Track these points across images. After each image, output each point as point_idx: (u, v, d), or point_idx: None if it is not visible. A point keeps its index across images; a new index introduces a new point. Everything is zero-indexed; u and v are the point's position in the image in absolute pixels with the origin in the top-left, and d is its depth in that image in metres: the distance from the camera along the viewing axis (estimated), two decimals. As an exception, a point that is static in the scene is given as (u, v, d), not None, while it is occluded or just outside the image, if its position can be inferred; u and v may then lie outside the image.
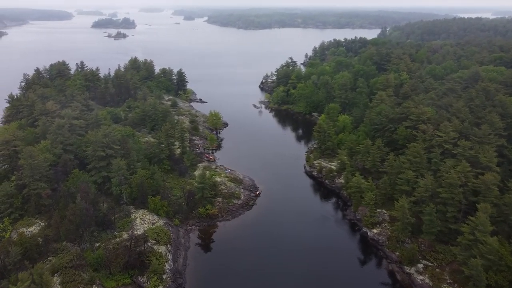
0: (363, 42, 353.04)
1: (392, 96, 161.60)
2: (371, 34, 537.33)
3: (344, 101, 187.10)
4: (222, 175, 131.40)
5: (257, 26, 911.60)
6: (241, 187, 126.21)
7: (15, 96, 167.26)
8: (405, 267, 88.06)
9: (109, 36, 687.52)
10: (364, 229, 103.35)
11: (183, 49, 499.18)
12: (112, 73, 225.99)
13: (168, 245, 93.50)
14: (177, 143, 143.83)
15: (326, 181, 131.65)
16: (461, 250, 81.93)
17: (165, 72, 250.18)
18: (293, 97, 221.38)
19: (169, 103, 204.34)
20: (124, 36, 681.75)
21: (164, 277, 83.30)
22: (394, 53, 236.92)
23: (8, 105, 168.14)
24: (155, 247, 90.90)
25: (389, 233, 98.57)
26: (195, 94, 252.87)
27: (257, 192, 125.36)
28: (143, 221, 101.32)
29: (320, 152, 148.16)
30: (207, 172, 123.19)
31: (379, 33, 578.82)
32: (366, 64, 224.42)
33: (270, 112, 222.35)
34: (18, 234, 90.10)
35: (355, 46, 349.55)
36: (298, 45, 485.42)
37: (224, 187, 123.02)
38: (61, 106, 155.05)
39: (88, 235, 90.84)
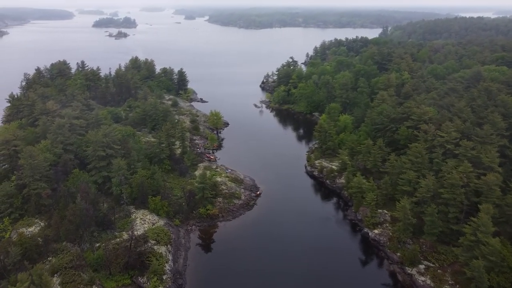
0: (364, 41, 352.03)
1: (393, 96, 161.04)
2: (372, 33, 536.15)
3: (345, 101, 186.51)
4: (223, 175, 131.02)
5: (258, 26, 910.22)
6: (241, 187, 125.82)
7: (16, 96, 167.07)
8: (407, 268, 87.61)
9: (110, 35, 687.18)
10: (365, 230, 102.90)
11: (184, 49, 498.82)
12: (112, 73, 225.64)
13: (169, 246, 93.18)
14: (177, 142, 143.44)
15: (327, 181, 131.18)
16: (463, 251, 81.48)
17: (166, 72, 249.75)
18: (294, 97, 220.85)
19: (169, 102, 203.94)
20: (125, 35, 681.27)
21: (164, 278, 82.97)
22: (395, 52, 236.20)
23: (8, 104, 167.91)
24: (155, 247, 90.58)
25: (391, 233, 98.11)
26: (196, 94, 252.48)
27: (258, 192, 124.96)
28: (143, 221, 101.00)
29: (321, 152, 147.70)
30: (208, 172, 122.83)
31: (381, 32, 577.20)
32: (367, 63, 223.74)
33: (271, 111, 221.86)
34: (18, 234, 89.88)
35: (356, 46, 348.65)
36: (299, 45, 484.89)
37: (224, 187, 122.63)
38: (61, 106, 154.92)
39: (88, 235, 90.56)
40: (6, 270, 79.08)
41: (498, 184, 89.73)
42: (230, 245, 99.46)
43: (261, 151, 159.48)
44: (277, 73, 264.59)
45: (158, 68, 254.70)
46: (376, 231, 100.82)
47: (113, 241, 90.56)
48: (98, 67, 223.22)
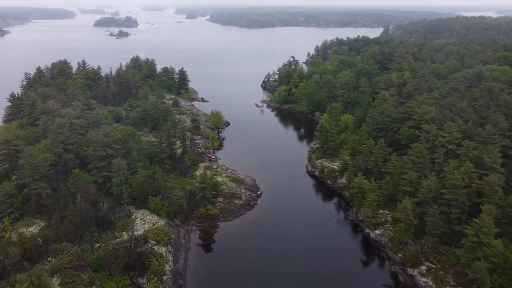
0: (365, 41, 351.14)
1: (395, 95, 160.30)
2: (373, 33, 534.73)
3: (347, 100, 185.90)
4: (224, 175, 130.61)
5: (260, 25, 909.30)
6: (242, 187, 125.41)
7: (16, 95, 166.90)
8: (408, 269, 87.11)
9: (111, 34, 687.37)
10: (366, 230, 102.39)
11: (185, 48, 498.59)
12: (113, 72, 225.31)
13: (169, 246, 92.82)
14: (178, 142, 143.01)
15: (328, 181, 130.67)
16: (465, 252, 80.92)
17: (167, 71, 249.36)
18: (295, 96, 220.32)
19: (170, 102, 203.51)
20: (126, 34, 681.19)
21: (164, 278, 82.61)
22: (397, 52, 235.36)
23: (9, 104, 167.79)
24: (155, 247, 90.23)
25: (392, 234, 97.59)
26: (197, 93, 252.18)
27: (259, 192, 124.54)
28: (144, 221, 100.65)
29: (322, 152, 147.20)
30: (208, 172, 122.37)
31: (382, 32, 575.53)
32: (369, 63, 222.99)
33: (272, 111, 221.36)
34: (18, 234, 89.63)
35: (358, 45, 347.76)
36: (300, 44, 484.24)
37: (225, 187, 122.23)
38: (62, 105, 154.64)
39: (88, 235, 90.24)
40: (6, 271, 78.85)
41: (500, 185, 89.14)
42: (231, 245, 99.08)
43: (262, 150, 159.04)
44: (278, 72, 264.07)
45: (159, 68, 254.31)
46: (377, 231, 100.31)
47: (113, 241, 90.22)
48: (99, 66, 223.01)
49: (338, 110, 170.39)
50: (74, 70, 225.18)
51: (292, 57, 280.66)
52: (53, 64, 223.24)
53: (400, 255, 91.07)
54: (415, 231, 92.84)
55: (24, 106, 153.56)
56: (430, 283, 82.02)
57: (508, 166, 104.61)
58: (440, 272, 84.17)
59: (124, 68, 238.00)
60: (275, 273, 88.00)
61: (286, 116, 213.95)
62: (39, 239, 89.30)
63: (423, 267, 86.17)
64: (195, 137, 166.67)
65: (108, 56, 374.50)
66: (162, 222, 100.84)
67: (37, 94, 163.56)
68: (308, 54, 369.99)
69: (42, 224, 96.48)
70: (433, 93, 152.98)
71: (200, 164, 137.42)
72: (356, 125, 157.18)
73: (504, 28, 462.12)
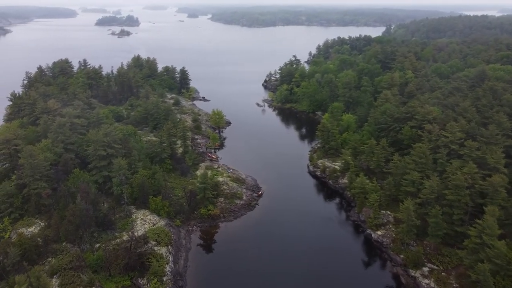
0: (367, 40, 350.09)
1: (397, 95, 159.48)
2: (375, 32, 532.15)
3: (348, 100, 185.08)
4: (224, 174, 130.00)
5: (261, 24, 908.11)
6: (243, 187, 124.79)
7: (17, 94, 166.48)
8: (410, 270, 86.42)
9: (113, 33, 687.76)
10: (368, 231, 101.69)
11: (187, 47, 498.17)
12: (115, 71, 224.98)
13: (169, 246, 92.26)
14: (179, 142, 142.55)
15: (330, 181, 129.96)
16: (468, 254, 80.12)
17: (168, 70, 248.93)
18: (297, 96, 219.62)
19: (171, 101, 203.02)
20: (128, 33, 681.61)
21: (164, 279, 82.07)
22: (399, 51, 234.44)
23: (10, 103, 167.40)
24: (155, 248, 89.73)
25: (394, 235, 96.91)
26: (198, 92, 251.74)
27: (260, 192, 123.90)
28: (144, 221, 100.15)
29: (323, 152, 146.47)
30: (209, 172, 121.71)
31: (384, 31, 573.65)
32: (371, 62, 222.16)
33: (274, 110, 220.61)
34: (18, 234, 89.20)
35: (360, 44, 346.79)
36: (302, 43, 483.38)
37: (226, 187, 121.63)
38: (62, 105, 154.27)
39: (88, 235, 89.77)
40: (5, 271, 78.43)
41: (503, 186, 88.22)
42: (232, 246, 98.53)
43: (263, 150, 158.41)
44: (279, 71, 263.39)
45: (160, 67, 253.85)
46: (379, 232, 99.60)
47: (113, 241, 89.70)
48: (100, 65, 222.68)
49: (339, 110, 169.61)
50: (75, 69, 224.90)
51: (294, 56, 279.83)
52: (54, 63, 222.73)
53: (402, 256, 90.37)
54: (417, 232, 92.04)
55: (25, 106, 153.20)
56: (432, 284, 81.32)
57: (511, 166, 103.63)
58: (442, 273, 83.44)
59: (125, 67, 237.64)
60: (276, 274, 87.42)
61: (287, 115, 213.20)
62: (38, 239, 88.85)
63: (426, 269, 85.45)
64: (196, 136, 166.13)
65: (109, 55, 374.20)
66: (162, 223, 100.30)
67: (38, 93, 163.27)
68: (310, 53, 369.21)
69: (42, 224, 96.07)
70: (435, 93, 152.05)
71: (201, 164, 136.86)
72: (358, 124, 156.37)
73: (507, 27, 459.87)
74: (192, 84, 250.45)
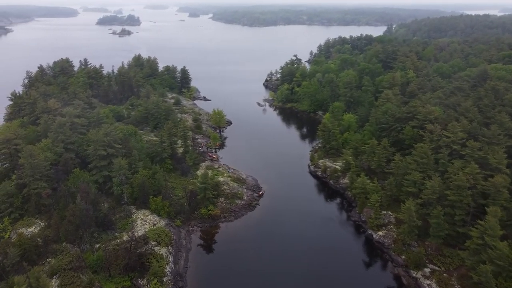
0: (368, 39, 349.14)
1: (398, 94, 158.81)
2: (377, 31, 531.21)
3: (349, 99, 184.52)
4: (225, 174, 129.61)
5: (262, 23, 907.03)
6: (244, 187, 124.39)
7: (18, 94, 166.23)
8: (411, 271, 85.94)
9: (114, 33, 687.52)
10: (369, 231, 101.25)
11: (187, 46, 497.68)
12: (115, 71, 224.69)
13: (169, 247, 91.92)
14: (179, 141, 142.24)
15: (331, 181, 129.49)
16: (470, 255, 79.61)
17: (169, 70, 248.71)
18: (298, 95, 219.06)
19: (172, 101, 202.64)
20: (129, 33, 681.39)
21: (164, 280, 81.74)
22: (400, 50, 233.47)
23: (11, 102, 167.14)
24: (155, 248, 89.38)
25: (395, 235, 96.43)
26: (199, 92, 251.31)
27: (260, 192, 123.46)
28: (144, 221, 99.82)
29: (324, 152, 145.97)
30: (210, 172, 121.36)
31: (385, 30, 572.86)
32: (372, 62, 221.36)
33: (274, 110, 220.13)
34: (17, 234, 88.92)
35: (361, 44, 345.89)
36: (303, 43, 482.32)
37: (226, 187, 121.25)
38: (63, 104, 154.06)
39: (88, 236, 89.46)
40: (5, 272, 78.15)
41: (506, 186, 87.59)
42: (232, 246, 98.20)
43: (264, 150, 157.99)
44: (280, 71, 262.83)
45: (161, 66, 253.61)
46: (380, 233, 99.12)
47: (113, 242, 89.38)
48: (101, 65, 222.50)
49: (340, 110, 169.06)
50: (76, 68, 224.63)
51: (295, 55, 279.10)
52: (55, 62, 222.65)
53: (403, 257, 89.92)
54: (419, 232, 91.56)
55: (25, 105, 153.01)
56: (434, 285, 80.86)
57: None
58: (444, 274, 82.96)
59: (126, 66, 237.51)
60: (277, 274, 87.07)
61: (288, 115, 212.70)
62: (38, 239, 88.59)
63: (427, 270, 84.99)
64: (196, 136, 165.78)
65: (110, 55, 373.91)
66: (162, 223, 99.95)
67: (39, 92, 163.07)
68: (311, 53, 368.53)
69: (42, 224, 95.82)
70: (437, 93, 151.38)
71: (201, 164, 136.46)
72: (359, 124, 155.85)
73: (508, 27, 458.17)
74: (193, 83, 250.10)
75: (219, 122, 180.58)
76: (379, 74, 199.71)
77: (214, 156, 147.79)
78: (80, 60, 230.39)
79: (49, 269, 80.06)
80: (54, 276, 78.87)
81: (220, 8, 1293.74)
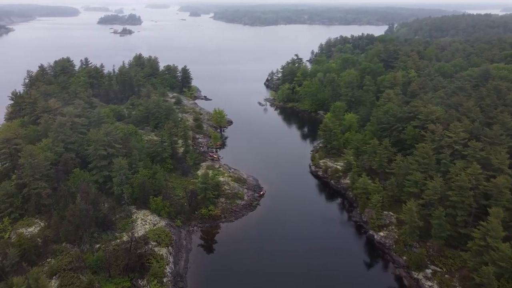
0: (370, 38, 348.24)
1: (399, 94, 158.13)
2: (378, 30, 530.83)
3: (351, 99, 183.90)
4: (226, 174, 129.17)
5: (263, 23, 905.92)
6: (244, 187, 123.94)
7: (18, 93, 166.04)
8: (413, 272, 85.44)
9: (115, 32, 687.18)
10: (371, 232, 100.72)
11: (188, 46, 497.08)
12: (116, 70, 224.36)
13: (170, 247, 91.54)
14: (180, 141, 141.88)
15: (332, 181, 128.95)
16: (472, 256, 79.07)
17: (170, 69, 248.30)
18: (299, 95, 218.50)
19: (173, 100, 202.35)
20: (130, 32, 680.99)
21: (164, 281, 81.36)
22: (402, 50, 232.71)
23: (11, 102, 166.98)
24: (156, 249, 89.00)
25: (397, 236, 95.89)
26: (200, 91, 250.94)
27: (261, 193, 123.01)
28: (144, 222, 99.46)
29: (325, 152, 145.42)
30: (210, 172, 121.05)
31: (387, 29, 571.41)
32: (373, 61, 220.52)
33: (275, 110, 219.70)
34: (17, 235, 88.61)
35: (362, 43, 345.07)
36: (304, 42, 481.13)
37: (227, 187, 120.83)
38: (64, 104, 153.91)
39: (88, 236, 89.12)
40: (4, 272, 77.81)
41: (508, 187, 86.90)
42: (232, 246, 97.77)
43: (265, 149, 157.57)
44: (281, 70, 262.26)
45: (162, 65, 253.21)
46: (381, 233, 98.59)
47: (113, 242, 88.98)
48: (102, 64, 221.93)
49: (342, 109, 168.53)
50: (76, 68, 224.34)
51: (296, 55, 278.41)
52: (55, 62, 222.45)
53: (404, 258, 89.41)
54: (420, 233, 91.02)
55: (26, 105, 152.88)
56: (435, 287, 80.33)
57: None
58: (446, 276, 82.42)
59: (126, 66, 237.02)
60: (277, 274, 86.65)
61: (289, 114, 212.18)
62: (38, 239, 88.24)
63: (429, 271, 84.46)
64: (197, 136, 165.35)
65: (111, 54, 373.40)
66: (163, 223, 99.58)
67: (39, 92, 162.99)
68: (312, 52, 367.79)
69: (42, 224, 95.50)
70: (438, 92, 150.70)
71: (202, 164, 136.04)
72: (360, 124, 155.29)
73: (510, 26, 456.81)
74: (193, 83, 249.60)
75: (220, 121, 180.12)
76: (381, 73, 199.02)
77: (214, 156, 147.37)
78: (81, 60, 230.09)
79: (49, 270, 79.70)
80: (54, 277, 78.50)
81: (221, 8, 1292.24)
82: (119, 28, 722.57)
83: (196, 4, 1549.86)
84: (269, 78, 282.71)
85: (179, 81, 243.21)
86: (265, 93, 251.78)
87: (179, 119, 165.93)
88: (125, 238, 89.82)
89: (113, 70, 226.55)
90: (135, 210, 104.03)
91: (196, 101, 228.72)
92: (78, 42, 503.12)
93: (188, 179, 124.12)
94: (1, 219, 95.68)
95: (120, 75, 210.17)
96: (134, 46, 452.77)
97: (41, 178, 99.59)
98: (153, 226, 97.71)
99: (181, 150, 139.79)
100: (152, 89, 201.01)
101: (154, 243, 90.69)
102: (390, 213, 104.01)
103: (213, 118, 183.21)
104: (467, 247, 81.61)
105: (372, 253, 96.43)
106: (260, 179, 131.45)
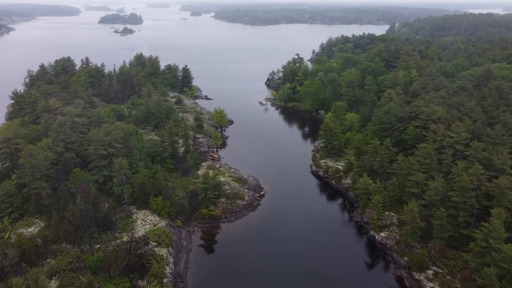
0: (371, 38, 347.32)
1: (401, 94, 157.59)
2: (379, 30, 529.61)
3: (352, 99, 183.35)
4: (226, 174, 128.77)
5: (264, 22, 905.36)
6: (245, 187, 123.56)
7: (19, 93, 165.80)
8: (414, 273, 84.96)
9: (116, 31, 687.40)
10: (372, 232, 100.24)
11: (189, 45, 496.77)
12: (117, 69, 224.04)
13: (170, 248, 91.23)
14: (180, 141, 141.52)
15: (333, 181, 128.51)
16: (474, 257, 78.60)
17: (171, 68, 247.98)
18: (300, 94, 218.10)
19: (173, 100, 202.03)
20: (131, 31, 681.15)
21: (164, 281, 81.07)
22: (403, 49, 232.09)
23: (12, 101, 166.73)
24: (156, 249, 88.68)
25: (398, 237, 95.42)
26: (201, 91, 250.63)
27: (262, 193, 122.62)
28: (145, 222, 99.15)
29: (326, 151, 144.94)
30: (211, 172, 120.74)
31: (388, 29, 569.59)
32: (374, 61, 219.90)
33: (276, 109, 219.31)
34: (17, 235, 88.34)
35: (363, 43, 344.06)
36: (305, 41, 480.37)
37: (228, 187, 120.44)
38: (64, 103, 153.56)
39: (88, 236, 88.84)
40: (4, 272, 77.50)
41: (510, 188, 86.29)
42: (233, 246, 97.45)
43: (266, 149, 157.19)
44: (282, 70, 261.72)
45: (162, 65, 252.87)
46: (382, 234, 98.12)
47: (113, 242, 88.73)
48: (102, 63, 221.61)
49: (343, 109, 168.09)
50: (77, 67, 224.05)
51: (297, 54, 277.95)
52: (56, 61, 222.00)
53: (406, 258, 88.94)
54: (422, 234, 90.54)
55: (26, 104, 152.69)
56: (437, 288, 79.90)
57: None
58: (447, 277, 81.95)
59: (127, 65, 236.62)
60: (277, 274, 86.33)
61: (290, 114, 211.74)
62: (38, 239, 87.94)
63: (430, 272, 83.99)
64: (198, 135, 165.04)
65: (112, 53, 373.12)
66: (163, 223, 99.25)
67: (40, 91, 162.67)
68: (313, 52, 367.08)
69: (42, 224, 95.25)
70: (440, 92, 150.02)
71: (202, 163, 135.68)
72: (361, 124, 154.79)
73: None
74: (194, 82, 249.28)
75: (221, 121, 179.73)
76: (382, 73, 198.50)
77: (215, 156, 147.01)
78: (81, 59, 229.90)
79: (49, 270, 79.40)
80: (54, 277, 78.21)
81: (222, 7, 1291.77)
82: (120, 27, 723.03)
83: (197, 4, 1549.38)
84: (270, 77, 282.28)
85: (180, 81, 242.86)
86: (266, 93, 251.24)
87: (180, 118, 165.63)
88: (125, 238, 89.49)
89: (114, 69, 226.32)
90: (135, 210, 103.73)
91: (197, 100, 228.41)
92: (79, 42, 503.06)
93: (188, 179, 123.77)
94: (1, 219, 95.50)
95: (121, 74, 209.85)
96: (135, 46, 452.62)
97: (41, 178, 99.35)
98: (153, 226, 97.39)
99: (182, 150, 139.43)
100: (152, 89, 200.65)
101: (154, 244, 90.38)
102: (391, 213, 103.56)
103: (213, 117, 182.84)
104: (469, 248, 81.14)
105: (373, 253, 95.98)
106: (260, 179, 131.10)
